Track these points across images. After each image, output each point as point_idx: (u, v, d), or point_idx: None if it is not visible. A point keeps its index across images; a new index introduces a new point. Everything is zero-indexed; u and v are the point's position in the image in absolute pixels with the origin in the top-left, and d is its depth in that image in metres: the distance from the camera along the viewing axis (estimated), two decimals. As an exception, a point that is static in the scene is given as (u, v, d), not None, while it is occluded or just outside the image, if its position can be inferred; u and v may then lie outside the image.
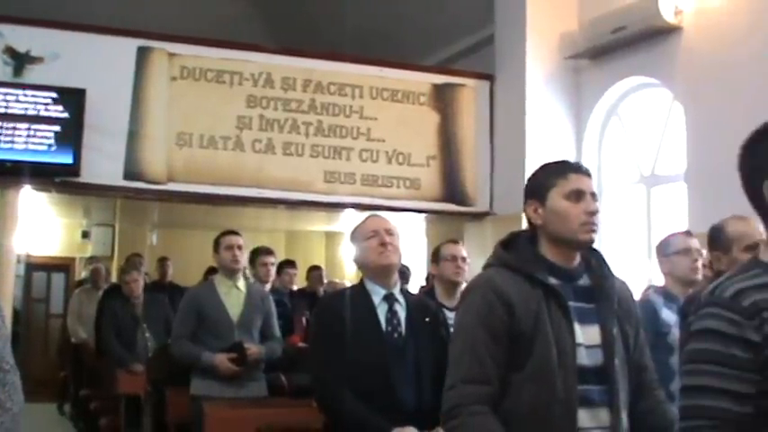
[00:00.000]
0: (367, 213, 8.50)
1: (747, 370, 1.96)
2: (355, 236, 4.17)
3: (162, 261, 11.46)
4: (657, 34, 8.25)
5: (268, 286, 7.44)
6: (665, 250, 4.81)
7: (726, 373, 1.97)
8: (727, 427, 1.96)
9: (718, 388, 1.97)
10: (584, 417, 2.74)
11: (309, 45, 10.39)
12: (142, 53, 8.59)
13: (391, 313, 4.01)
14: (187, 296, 6.16)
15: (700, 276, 4.73)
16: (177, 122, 8.63)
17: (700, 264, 4.73)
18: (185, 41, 8.83)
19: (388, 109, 9.34)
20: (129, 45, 8.56)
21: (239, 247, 6.05)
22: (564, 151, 8.92)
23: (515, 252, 2.93)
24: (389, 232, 4.06)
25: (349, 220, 10.36)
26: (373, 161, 9.21)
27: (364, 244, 4.07)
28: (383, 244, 4.01)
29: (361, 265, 4.15)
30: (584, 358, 2.79)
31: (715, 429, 1.97)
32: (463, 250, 5.51)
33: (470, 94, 9.74)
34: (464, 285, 4.83)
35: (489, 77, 9.81)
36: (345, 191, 9.11)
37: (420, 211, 9.76)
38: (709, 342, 2.01)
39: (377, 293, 4.03)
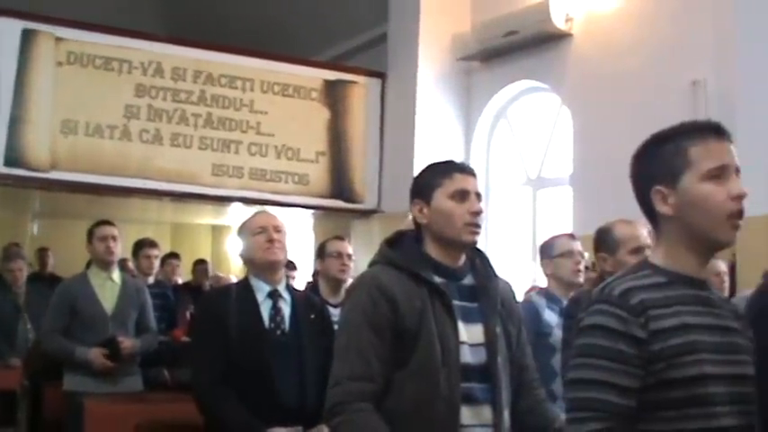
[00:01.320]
0: (255, 208, 8.47)
1: (633, 365, 2.06)
2: (243, 231, 4.12)
3: (42, 251, 11.12)
4: (548, 40, 8.39)
5: (151, 279, 7.32)
6: (548, 252, 4.87)
7: (612, 367, 2.06)
8: (611, 419, 2.04)
9: (605, 381, 2.06)
10: (466, 414, 2.76)
11: (201, 35, 10.25)
12: (27, 36, 8.35)
13: (275, 310, 3.98)
14: (60, 289, 5.95)
15: (582, 279, 4.81)
16: (62, 109, 8.42)
17: (582, 266, 4.81)
18: (73, 26, 8.62)
19: (278, 103, 9.29)
20: (14, 26, 8.32)
21: (113, 238, 5.86)
22: (453, 152, 8.99)
23: (401, 250, 2.94)
24: (277, 229, 4.03)
25: (236, 214, 10.24)
26: (262, 155, 9.16)
27: (251, 239, 4.03)
28: (270, 240, 3.98)
29: (247, 260, 4.11)
30: (468, 356, 2.81)
31: (600, 421, 2.04)
32: (348, 247, 5.48)
33: (362, 91, 9.75)
34: (349, 282, 4.83)
35: (381, 75, 9.85)
36: (233, 184, 9.03)
37: (308, 207, 9.74)
38: (598, 337, 2.10)
39: (261, 290, 4.00)
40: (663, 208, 2.19)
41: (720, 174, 2.14)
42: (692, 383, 2.06)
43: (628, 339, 2.06)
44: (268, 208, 7.82)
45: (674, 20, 7.36)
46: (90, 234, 5.90)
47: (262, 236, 4.00)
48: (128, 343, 5.68)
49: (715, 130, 2.20)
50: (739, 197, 2.14)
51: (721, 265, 5.48)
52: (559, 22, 8.20)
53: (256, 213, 4.24)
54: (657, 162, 2.22)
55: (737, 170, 2.18)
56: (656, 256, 2.26)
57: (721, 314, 2.20)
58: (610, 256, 4.14)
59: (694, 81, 7.01)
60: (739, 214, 2.14)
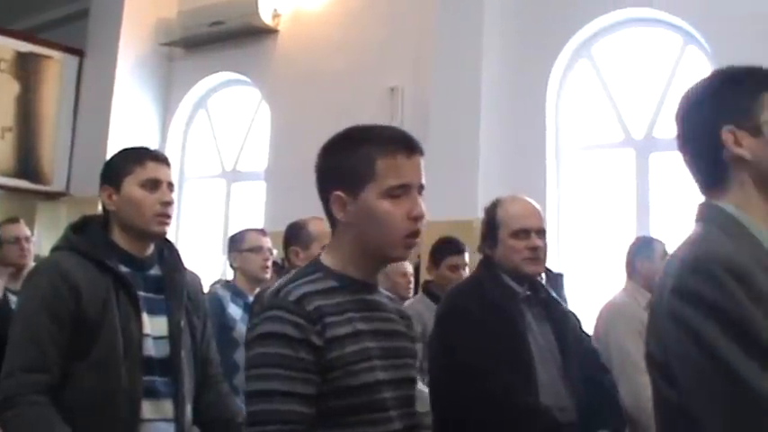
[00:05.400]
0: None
1: (312, 372, 2.03)
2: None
3: None
4: (254, 34, 8.45)
5: None
6: (237, 245, 4.89)
7: (293, 376, 2.01)
8: (297, 429, 2.00)
9: (287, 391, 2.01)
10: (148, 408, 2.72)
11: None
12: None
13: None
14: None
15: (269, 275, 4.86)
16: None
17: (270, 262, 4.86)
18: None
19: (-37, 72, 8.75)
20: None
21: None
22: (148, 138, 8.84)
23: (86, 236, 2.85)
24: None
25: None
26: (-59, 127, 8.60)
27: None
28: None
29: None
30: (151, 349, 2.77)
31: None
32: (25, 229, 5.24)
33: (57, 67, 9.38)
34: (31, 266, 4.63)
35: (79, 53, 9.51)
36: None
37: (-10, 186, 9.24)
38: (277, 346, 2.04)
39: None
40: (339, 214, 2.17)
41: (401, 193, 2.13)
42: (368, 390, 2.08)
43: (306, 347, 2.03)
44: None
45: (378, 27, 7.64)
46: None
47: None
48: None
49: (406, 145, 2.17)
50: (417, 218, 2.14)
51: (408, 267, 5.73)
52: (266, 17, 8.28)
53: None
54: (345, 166, 2.18)
55: (421, 188, 2.18)
56: (329, 258, 2.23)
57: (390, 318, 2.25)
58: (303, 250, 4.22)
59: (392, 87, 7.33)
60: (415, 234, 2.15)
